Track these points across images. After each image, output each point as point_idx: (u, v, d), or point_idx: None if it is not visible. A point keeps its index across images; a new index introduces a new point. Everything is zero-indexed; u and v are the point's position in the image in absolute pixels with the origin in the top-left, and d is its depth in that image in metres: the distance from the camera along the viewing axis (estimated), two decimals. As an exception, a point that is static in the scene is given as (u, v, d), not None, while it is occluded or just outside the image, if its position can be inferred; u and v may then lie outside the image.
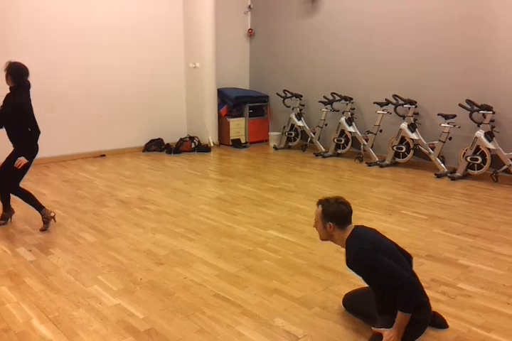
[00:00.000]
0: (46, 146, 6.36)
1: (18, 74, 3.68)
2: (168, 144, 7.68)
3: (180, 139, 7.74)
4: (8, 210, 4.08)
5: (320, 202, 2.35)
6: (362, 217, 4.30)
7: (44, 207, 3.96)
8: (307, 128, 7.60)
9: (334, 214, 2.27)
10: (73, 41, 6.53)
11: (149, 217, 4.33)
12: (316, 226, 2.38)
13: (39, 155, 6.25)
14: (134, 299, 2.77)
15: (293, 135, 7.83)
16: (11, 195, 4.02)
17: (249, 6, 8.41)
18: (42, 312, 2.62)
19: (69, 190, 5.24)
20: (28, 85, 3.77)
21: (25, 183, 5.23)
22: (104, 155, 7.11)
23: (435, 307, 2.65)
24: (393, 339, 2.11)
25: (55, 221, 4.03)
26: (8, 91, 3.75)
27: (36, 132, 3.82)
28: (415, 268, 3.17)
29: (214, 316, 2.57)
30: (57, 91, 6.47)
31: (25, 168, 3.84)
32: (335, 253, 3.43)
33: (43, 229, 3.92)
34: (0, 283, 2.97)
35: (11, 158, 3.79)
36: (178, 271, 3.16)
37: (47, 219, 3.95)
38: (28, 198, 3.95)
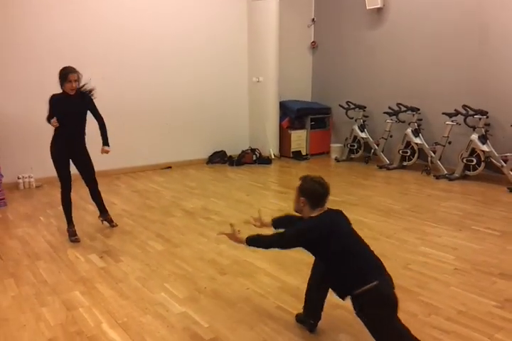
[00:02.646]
0: (117, 158, 6.76)
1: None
2: (230, 156, 7.83)
3: (242, 151, 7.85)
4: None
5: (301, 178, 2.42)
6: (430, 232, 4.14)
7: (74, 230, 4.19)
8: (370, 139, 7.46)
9: (307, 190, 2.33)
10: (142, 56, 6.86)
11: (213, 227, 4.41)
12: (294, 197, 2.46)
13: (111, 167, 6.68)
14: (199, 307, 2.83)
15: (355, 147, 7.72)
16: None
17: (313, 19, 8.47)
18: (112, 317, 2.73)
19: (138, 199, 5.46)
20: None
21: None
22: (170, 167, 7.36)
23: (509, 328, 2.50)
24: (230, 236, 2.51)
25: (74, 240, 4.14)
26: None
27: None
28: (488, 286, 3.03)
29: (277, 328, 2.57)
30: (128, 106, 6.81)
31: None
32: (402, 270, 3.33)
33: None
34: (73, 288, 3.13)
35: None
36: (241, 281, 3.19)
37: (69, 234, 4.17)
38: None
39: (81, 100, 4.00)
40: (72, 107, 3.95)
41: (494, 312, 2.70)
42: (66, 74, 3.82)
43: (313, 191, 2.32)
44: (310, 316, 2.55)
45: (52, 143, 4.04)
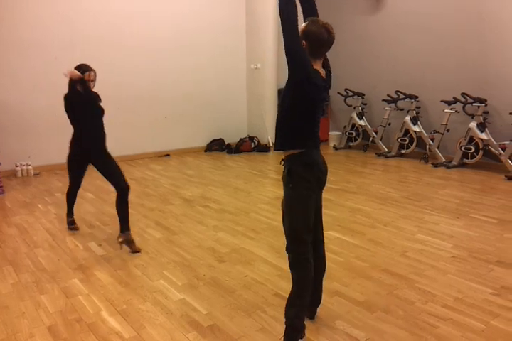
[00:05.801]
0: (115, 146, 6.69)
1: None
2: (228, 144, 7.81)
3: (241, 139, 7.83)
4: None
5: (308, 19, 2.27)
6: (428, 220, 4.16)
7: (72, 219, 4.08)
8: (369, 127, 7.44)
9: (312, 33, 2.17)
10: (140, 44, 6.81)
11: (211, 215, 4.42)
12: None
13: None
14: (198, 295, 2.84)
15: (354, 134, 7.70)
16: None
17: (311, 5, 8.36)
18: (111, 304, 2.74)
19: (136, 187, 5.45)
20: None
21: (95, 181, 5.53)
22: (168, 155, 7.35)
23: (505, 315, 2.52)
24: None
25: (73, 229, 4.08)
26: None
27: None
28: (484, 274, 3.05)
29: (275, 315, 2.59)
30: (125, 94, 6.76)
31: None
32: (399, 257, 3.34)
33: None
34: (72, 276, 3.14)
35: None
36: (239, 269, 3.20)
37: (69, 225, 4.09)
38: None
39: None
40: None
41: (491, 299, 2.72)
42: (84, 72, 3.50)
43: (317, 35, 2.15)
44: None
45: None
